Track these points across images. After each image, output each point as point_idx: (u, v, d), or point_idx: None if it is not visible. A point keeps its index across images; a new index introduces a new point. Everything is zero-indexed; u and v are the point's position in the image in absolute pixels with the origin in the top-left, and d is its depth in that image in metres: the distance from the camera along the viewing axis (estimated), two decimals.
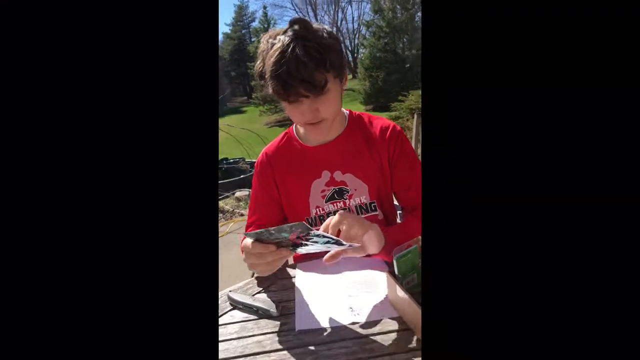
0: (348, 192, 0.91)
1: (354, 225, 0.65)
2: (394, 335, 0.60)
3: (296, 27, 0.73)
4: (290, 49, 0.70)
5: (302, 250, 0.64)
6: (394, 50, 13.26)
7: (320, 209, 0.92)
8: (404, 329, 0.61)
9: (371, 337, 0.60)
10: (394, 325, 0.63)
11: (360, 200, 0.91)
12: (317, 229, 0.59)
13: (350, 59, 20.79)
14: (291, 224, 0.55)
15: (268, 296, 0.76)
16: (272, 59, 0.72)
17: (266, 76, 0.75)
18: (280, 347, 0.61)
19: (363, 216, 0.91)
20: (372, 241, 0.68)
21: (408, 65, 12.60)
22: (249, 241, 0.67)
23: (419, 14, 15.55)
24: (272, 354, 0.60)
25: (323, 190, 0.91)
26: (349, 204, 0.91)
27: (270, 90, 0.77)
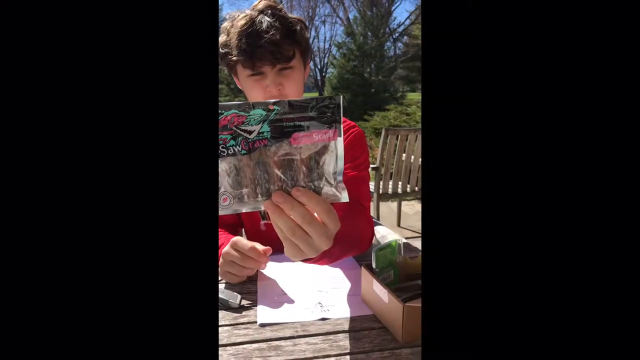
0: None
1: (318, 239, 0.43)
2: (367, 333, 0.55)
3: (261, 5, 0.73)
4: (258, 17, 0.71)
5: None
6: (362, 74, 13.66)
7: None
8: (380, 327, 0.56)
9: (342, 335, 0.55)
10: (368, 323, 0.57)
11: None
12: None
13: (319, 77, 21.15)
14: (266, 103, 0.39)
15: (229, 287, 0.68)
16: (239, 29, 0.71)
17: (231, 45, 0.72)
18: (238, 340, 0.53)
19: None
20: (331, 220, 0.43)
21: (374, 90, 13.01)
22: (230, 251, 0.67)
23: (388, 43, 16.24)
24: (228, 347, 0.52)
25: None
26: None
27: (230, 64, 0.74)
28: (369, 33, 14.23)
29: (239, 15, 0.74)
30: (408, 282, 0.62)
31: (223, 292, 0.64)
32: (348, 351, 0.51)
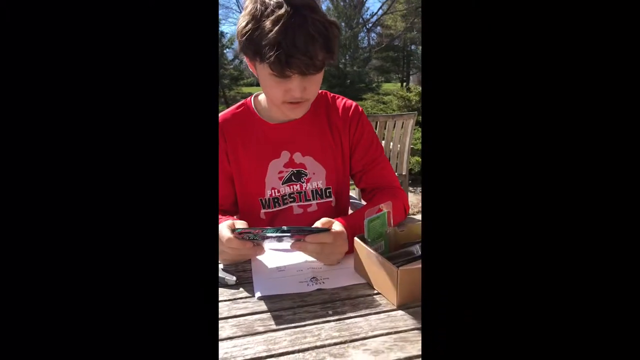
0: (306, 175, 0.86)
1: (339, 252, 0.67)
2: (363, 299, 0.57)
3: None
4: (298, 19, 0.64)
5: (270, 246, 0.73)
6: (337, 65, 13.67)
7: (276, 190, 0.86)
8: (375, 293, 0.58)
9: (339, 302, 0.57)
10: (363, 291, 0.60)
11: (317, 185, 0.87)
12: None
13: None
14: (278, 228, 0.59)
15: (225, 267, 0.69)
16: (277, 26, 0.64)
17: (263, 42, 0.66)
18: (238, 313, 0.55)
19: (317, 201, 0.88)
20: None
21: (349, 81, 13.04)
22: (224, 234, 0.65)
23: (362, 34, 16.26)
24: (229, 320, 0.53)
25: (281, 172, 0.85)
26: (305, 188, 0.87)
27: (255, 56, 0.70)
28: (343, 24, 14.21)
29: (269, 5, 0.66)
30: (398, 251, 0.64)
31: (220, 271, 0.64)
32: (347, 316, 0.53)
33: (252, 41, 0.68)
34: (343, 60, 14.13)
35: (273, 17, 0.65)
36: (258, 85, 0.83)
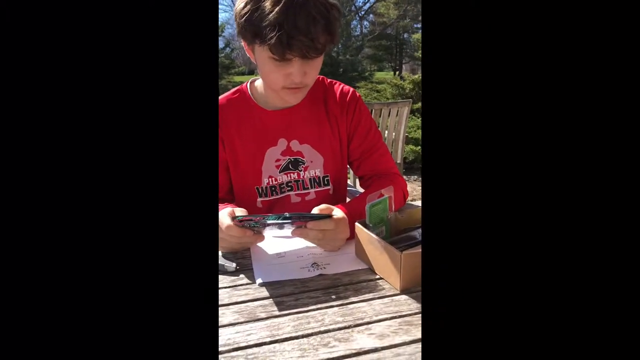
0: (304, 163, 0.85)
1: (341, 238, 0.67)
2: (366, 284, 0.57)
3: None
4: (300, 1, 0.63)
5: (271, 233, 0.72)
6: (330, 53, 13.56)
7: (273, 179, 0.85)
8: (378, 278, 0.58)
9: (342, 287, 0.56)
10: (365, 276, 0.59)
11: (315, 173, 0.86)
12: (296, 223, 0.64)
13: None
14: (280, 214, 0.59)
15: (225, 254, 0.67)
16: (278, 7, 0.62)
17: (264, 23, 0.64)
18: (240, 300, 0.54)
19: (315, 190, 0.87)
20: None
21: (342, 69, 12.96)
22: (224, 221, 0.63)
23: (354, 22, 16.10)
24: (230, 306, 0.52)
25: (278, 160, 0.84)
26: (303, 176, 0.86)
27: (254, 39, 0.67)
28: None
29: None
30: (399, 236, 0.64)
31: (220, 258, 0.63)
32: (350, 301, 0.52)
33: (252, 22, 0.65)
34: (335, 49, 14.02)
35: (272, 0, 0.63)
36: (250, 74, 0.81)
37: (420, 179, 3.73)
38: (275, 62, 0.68)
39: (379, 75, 14.18)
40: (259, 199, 0.86)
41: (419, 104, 5.24)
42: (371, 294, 0.54)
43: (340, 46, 14.40)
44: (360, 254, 0.63)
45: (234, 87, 0.90)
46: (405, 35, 16.75)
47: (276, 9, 0.62)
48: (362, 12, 17.48)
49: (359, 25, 17.05)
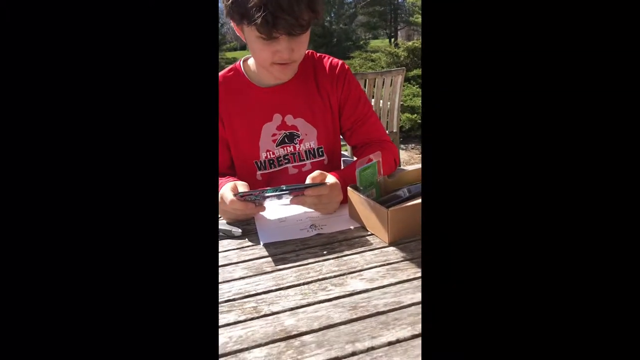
0: (299, 136, 0.90)
1: (335, 202, 0.73)
2: (358, 240, 0.64)
3: None
4: None
5: (271, 204, 0.78)
6: (322, 24, 13.22)
7: (271, 152, 0.91)
8: (369, 234, 0.65)
9: (337, 243, 0.63)
10: (358, 232, 0.66)
11: (310, 145, 0.92)
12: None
13: None
14: (277, 187, 0.65)
15: (227, 222, 0.74)
16: None
17: (249, 5, 0.68)
18: (247, 258, 0.61)
19: (310, 161, 0.93)
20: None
21: (335, 39, 12.69)
22: (227, 196, 0.69)
23: None
24: (239, 264, 0.59)
25: (274, 134, 0.90)
26: (298, 149, 0.91)
27: (241, 20, 0.71)
28: None
29: None
30: (387, 196, 0.70)
31: (225, 225, 0.70)
32: (344, 254, 0.59)
33: (238, 4, 0.70)
34: (328, 18, 13.65)
35: None
36: (242, 49, 0.85)
37: (417, 146, 3.77)
38: (263, 40, 0.73)
39: (374, 43, 13.86)
40: (258, 172, 0.92)
41: (414, 72, 5.20)
42: (363, 247, 0.61)
43: (332, 15, 14.02)
44: (353, 214, 0.70)
45: (226, 63, 0.94)
46: (400, 0, 16.27)
47: None
48: None
49: None
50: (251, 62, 0.90)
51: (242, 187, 0.72)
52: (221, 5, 0.79)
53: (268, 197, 0.68)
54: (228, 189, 0.70)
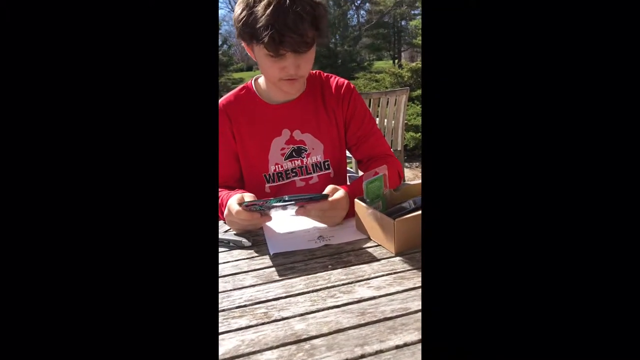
0: (306, 150, 0.94)
1: (339, 215, 0.75)
2: (365, 250, 0.65)
3: None
4: (287, 2, 0.73)
5: (277, 214, 0.80)
6: (327, 45, 13.51)
7: (279, 166, 0.94)
8: (376, 245, 0.67)
9: (345, 254, 0.65)
10: (365, 243, 0.68)
11: (317, 159, 0.95)
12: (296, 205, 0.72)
13: None
14: (280, 197, 0.67)
15: (236, 234, 0.76)
16: (269, 9, 0.73)
17: (257, 25, 0.74)
18: (257, 267, 0.63)
19: (317, 174, 0.96)
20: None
21: (340, 60, 12.94)
22: (234, 207, 0.72)
23: (351, 12, 15.99)
24: (250, 273, 0.61)
25: (283, 149, 0.94)
26: (306, 162, 0.95)
27: (251, 40, 0.77)
28: (331, 1, 14.00)
29: None
30: (393, 207, 0.72)
31: (235, 236, 0.72)
32: (352, 264, 0.61)
33: (248, 26, 0.76)
34: (333, 40, 13.96)
35: (264, 1, 0.74)
36: (248, 70, 0.90)
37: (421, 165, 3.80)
38: (271, 58, 0.78)
39: (378, 64, 14.10)
40: (267, 185, 0.95)
41: (418, 92, 5.28)
42: (370, 257, 0.62)
43: (337, 37, 14.33)
44: (360, 226, 0.72)
45: (233, 83, 1.00)
46: (403, 23, 16.64)
47: (267, 12, 0.73)
48: (359, 2, 17.36)
49: (355, 15, 16.95)
50: (261, 80, 0.95)
51: (249, 197, 0.75)
52: (228, 27, 0.84)
53: (273, 207, 0.70)
54: (234, 201, 0.73)
